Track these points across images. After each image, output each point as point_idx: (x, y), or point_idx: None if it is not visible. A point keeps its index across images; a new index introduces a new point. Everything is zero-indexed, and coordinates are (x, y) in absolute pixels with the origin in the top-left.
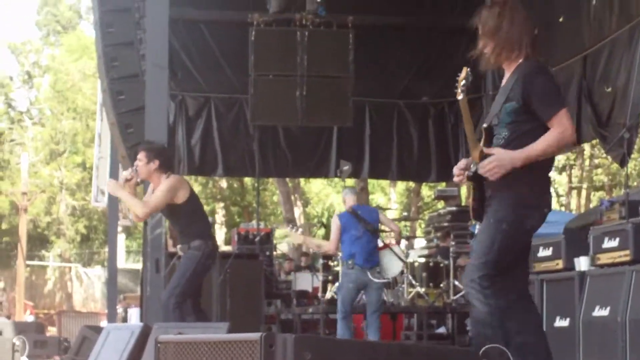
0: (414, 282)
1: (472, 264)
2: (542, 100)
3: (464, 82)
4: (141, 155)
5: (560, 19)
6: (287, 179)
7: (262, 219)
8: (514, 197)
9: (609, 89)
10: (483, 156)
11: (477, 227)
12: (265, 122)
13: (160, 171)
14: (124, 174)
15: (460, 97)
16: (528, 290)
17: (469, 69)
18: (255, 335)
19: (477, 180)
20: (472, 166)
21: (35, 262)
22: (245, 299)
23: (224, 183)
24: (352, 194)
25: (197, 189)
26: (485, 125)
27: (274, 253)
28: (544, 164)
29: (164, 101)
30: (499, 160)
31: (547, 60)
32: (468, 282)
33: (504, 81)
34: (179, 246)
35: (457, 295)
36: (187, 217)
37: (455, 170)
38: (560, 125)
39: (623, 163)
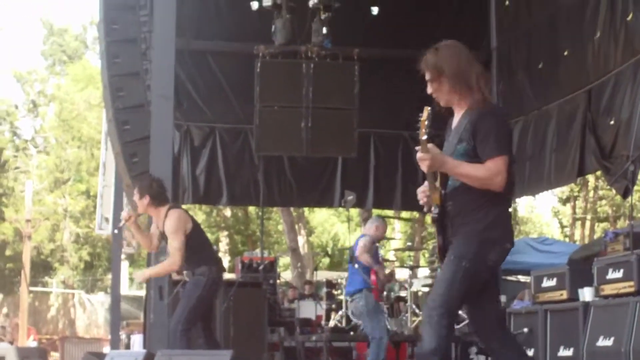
0: (417, 311)
1: (433, 300)
2: (485, 141)
3: (427, 122)
4: (135, 192)
5: (565, 53)
6: (292, 209)
7: (265, 247)
8: (475, 234)
9: (612, 122)
10: (444, 198)
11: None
12: (270, 152)
13: (154, 204)
14: (122, 215)
15: (424, 137)
16: (503, 323)
17: (430, 108)
18: None
19: (440, 222)
20: (433, 209)
21: (39, 289)
22: (249, 327)
23: (228, 212)
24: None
25: (201, 217)
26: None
27: (278, 281)
28: (505, 200)
29: (169, 131)
30: (434, 157)
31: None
32: (426, 317)
33: (455, 122)
34: (184, 272)
35: (461, 325)
36: (192, 247)
37: (420, 194)
38: (495, 167)
39: (626, 194)
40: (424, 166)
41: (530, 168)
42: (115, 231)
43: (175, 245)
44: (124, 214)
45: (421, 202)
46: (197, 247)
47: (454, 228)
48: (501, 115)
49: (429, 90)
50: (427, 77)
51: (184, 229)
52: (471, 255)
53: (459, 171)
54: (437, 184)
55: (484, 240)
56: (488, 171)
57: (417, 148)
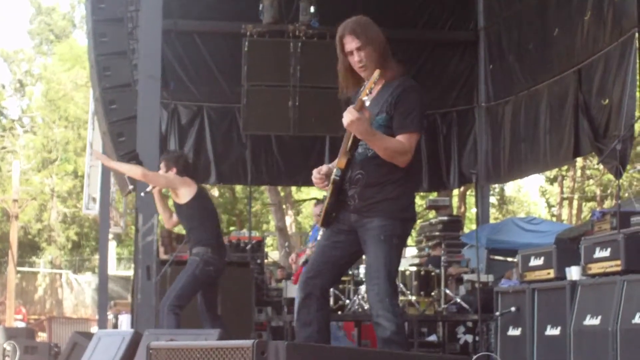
0: (405, 290)
1: (377, 285)
2: (405, 114)
3: (373, 85)
4: (162, 165)
5: (555, 33)
6: (279, 188)
7: (253, 227)
8: (399, 211)
9: (606, 102)
10: (348, 166)
11: (319, 233)
12: (257, 131)
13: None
14: (148, 189)
15: (364, 98)
16: None
17: (379, 71)
18: (247, 342)
19: (339, 187)
20: (335, 171)
21: (26, 269)
22: (236, 306)
23: (215, 192)
24: None
25: None
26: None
27: (265, 261)
28: (417, 178)
29: (156, 110)
30: (360, 119)
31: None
32: (376, 303)
33: (372, 92)
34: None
35: (448, 304)
36: (188, 220)
37: (316, 174)
38: (408, 143)
39: (618, 175)
40: (351, 125)
41: (525, 149)
42: (142, 194)
43: (153, 173)
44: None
45: (316, 183)
46: (196, 222)
47: (365, 201)
48: (423, 93)
49: (357, 58)
50: (355, 45)
51: (176, 184)
52: (399, 232)
53: (379, 142)
54: (348, 148)
55: (405, 219)
56: (401, 146)
57: (351, 107)
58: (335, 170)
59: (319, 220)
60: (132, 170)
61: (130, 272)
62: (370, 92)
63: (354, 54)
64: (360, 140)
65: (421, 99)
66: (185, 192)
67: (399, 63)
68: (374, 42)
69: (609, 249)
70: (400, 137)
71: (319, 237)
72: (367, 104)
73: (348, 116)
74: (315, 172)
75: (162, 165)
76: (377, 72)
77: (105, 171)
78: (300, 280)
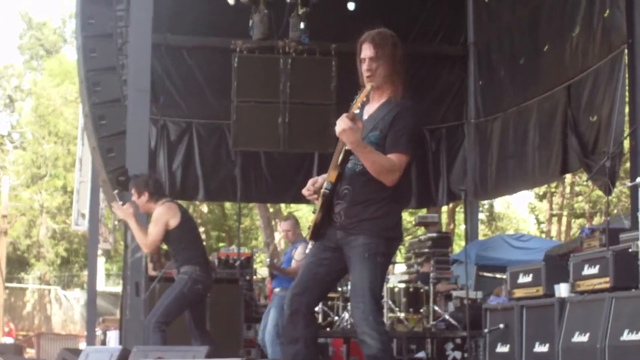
0: (393, 307)
1: (362, 302)
2: (398, 134)
3: (365, 98)
4: (133, 192)
5: (545, 49)
6: (269, 205)
7: (242, 244)
8: (385, 230)
9: (594, 118)
10: (339, 180)
11: (309, 246)
12: (247, 147)
13: (153, 200)
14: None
15: (356, 111)
16: None
17: (373, 85)
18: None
19: (328, 201)
20: (325, 184)
21: (15, 285)
22: (225, 323)
23: (204, 208)
24: None
25: None
26: (347, 147)
27: (254, 277)
28: (404, 199)
29: (146, 126)
30: (352, 128)
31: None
32: (361, 321)
33: (370, 110)
34: (169, 263)
35: (437, 321)
36: (177, 243)
37: (310, 185)
38: (398, 162)
39: (607, 191)
40: (343, 133)
41: (514, 166)
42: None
43: (150, 237)
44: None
45: (307, 196)
46: (183, 244)
47: (350, 219)
48: (419, 117)
49: (366, 67)
50: (370, 54)
51: (166, 221)
52: (383, 251)
53: (369, 155)
54: (339, 162)
55: (390, 238)
56: (391, 164)
57: (344, 115)
58: (325, 183)
59: (309, 233)
60: (141, 241)
61: (119, 288)
62: (364, 105)
63: (366, 61)
64: (351, 154)
65: (415, 121)
66: (174, 220)
67: (405, 84)
68: (387, 58)
69: (597, 266)
70: (391, 156)
71: (295, 255)
72: (361, 115)
73: (340, 124)
74: (310, 182)
75: (133, 191)
76: (369, 86)
77: (95, 187)
78: (287, 297)
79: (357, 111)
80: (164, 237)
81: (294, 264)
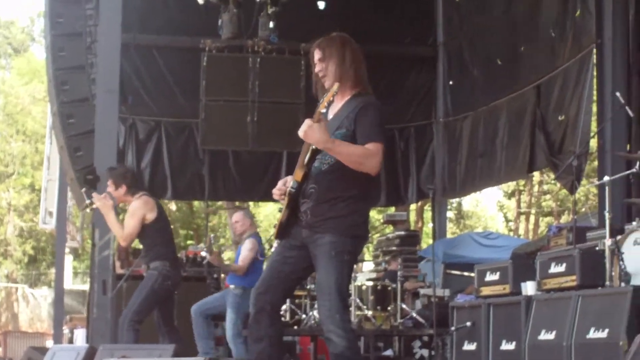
0: (361, 305)
1: (328, 301)
2: (368, 127)
3: (332, 98)
4: (109, 183)
5: (515, 49)
6: (237, 203)
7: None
8: (351, 228)
9: (562, 118)
10: (305, 179)
11: (275, 245)
12: (215, 146)
13: (130, 193)
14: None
15: (322, 110)
16: None
17: (338, 85)
18: (200, 358)
19: (294, 200)
20: (292, 183)
21: None
22: None
23: (173, 206)
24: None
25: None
26: (314, 147)
27: (222, 275)
28: (370, 197)
29: (114, 125)
30: (314, 127)
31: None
32: (327, 319)
33: (335, 109)
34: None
35: (404, 318)
36: (150, 238)
37: (281, 184)
38: (374, 149)
39: (572, 190)
40: (306, 134)
41: (483, 164)
42: (88, 210)
43: (126, 230)
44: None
45: (276, 197)
46: (157, 239)
47: (317, 217)
48: (383, 110)
49: (317, 68)
50: (317, 56)
51: (142, 215)
52: (350, 249)
53: (340, 148)
54: (305, 161)
55: (356, 236)
56: (366, 150)
57: (308, 119)
58: (292, 182)
59: (275, 232)
60: (118, 233)
61: (86, 287)
62: (329, 105)
63: (317, 64)
64: (318, 153)
65: (381, 114)
66: (150, 215)
67: (368, 82)
68: (336, 56)
69: (564, 264)
70: (367, 145)
71: (243, 251)
72: (327, 116)
73: (303, 127)
74: (280, 182)
75: (109, 182)
76: (335, 86)
77: (63, 186)
78: (251, 296)
79: (323, 111)
80: (140, 230)
81: (240, 261)
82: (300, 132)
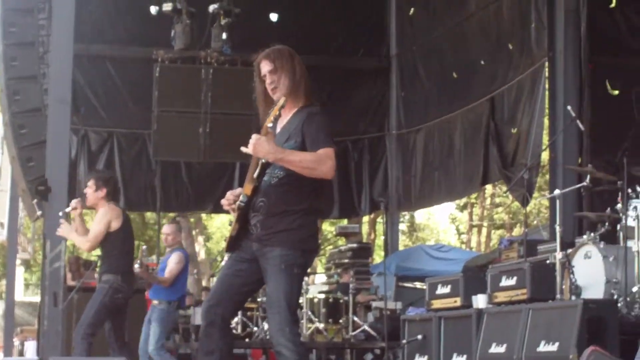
0: (313, 317)
1: (278, 314)
2: (316, 135)
3: (278, 112)
4: (90, 183)
5: (469, 61)
6: (189, 215)
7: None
8: (300, 241)
9: (515, 130)
10: (255, 193)
11: (225, 258)
12: (167, 157)
13: (106, 199)
14: (72, 203)
15: (269, 125)
16: None
17: (285, 99)
18: None
19: (244, 214)
20: (241, 197)
21: None
22: None
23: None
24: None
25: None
26: (263, 160)
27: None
28: (318, 210)
29: (66, 135)
30: (262, 140)
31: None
32: (277, 332)
33: (283, 123)
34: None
35: (357, 331)
36: (109, 246)
37: (229, 195)
38: (326, 153)
39: (524, 203)
40: (254, 149)
41: (439, 177)
42: (60, 214)
43: (92, 235)
44: (73, 203)
45: (225, 207)
46: (116, 250)
47: (266, 230)
48: (328, 117)
49: (269, 80)
50: (268, 68)
51: (109, 220)
52: (299, 262)
53: (291, 157)
54: (255, 175)
55: (306, 250)
56: (318, 155)
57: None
58: (241, 196)
59: (225, 245)
60: (81, 243)
61: (37, 298)
62: (276, 119)
63: (268, 76)
64: (268, 167)
65: (328, 122)
66: (115, 223)
67: (313, 93)
68: (287, 69)
69: (515, 278)
70: (318, 151)
71: (169, 263)
72: (275, 129)
73: (251, 142)
74: (229, 193)
75: (90, 183)
76: (282, 100)
77: (14, 197)
78: (202, 309)
79: (270, 125)
80: (103, 237)
81: (167, 273)
82: (250, 147)
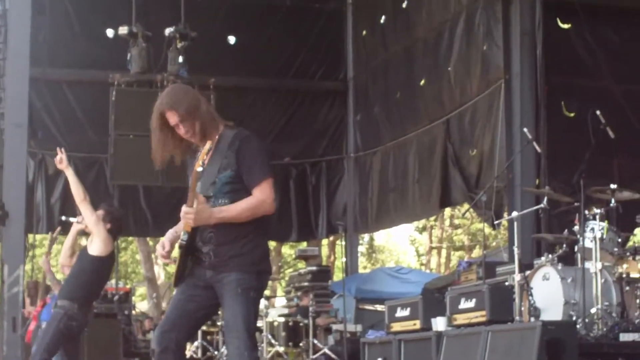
0: (273, 341)
1: (237, 338)
2: (252, 167)
3: (205, 156)
4: (100, 212)
5: (421, 84)
6: (148, 238)
7: (122, 277)
8: (254, 264)
9: (474, 152)
10: (196, 228)
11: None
12: (125, 181)
13: (106, 229)
14: (77, 219)
15: (199, 169)
16: None
17: (211, 142)
18: None
19: (187, 250)
20: (182, 235)
21: None
22: (104, 358)
23: (83, 241)
24: None
25: (56, 247)
26: (202, 194)
27: (133, 312)
28: (266, 229)
29: (23, 160)
30: (199, 213)
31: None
32: (235, 356)
33: (206, 157)
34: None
35: (317, 354)
36: (82, 271)
37: (160, 250)
38: (262, 194)
39: (493, 224)
40: (195, 222)
41: (395, 199)
42: (64, 217)
43: (92, 212)
44: (79, 219)
45: (162, 258)
46: (81, 274)
47: (220, 257)
48: (261, 140)
49: (182, 130)
50: (177, 119)
51: (105, 237)
52: (255, 285)
53: (229, 214)
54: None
55: (260, 271)
56: (255, 200)
57: (184, 206)
58: (182, 234)
59: (173, 281)
60: (78, 189)
61: None
62: (204, 164)
63: (180, 126)
64: (208, 200)
65: (261, 146)
66: (101, 248)
67: (221, 116)
68: (193, 112)
69: (474, 300)
70: (254, 192)
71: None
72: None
73: (187, 217)
74: (159, 247)
75: (100, 212)
76: (208, 143)
77: None
78: (155, 334)
79: (199, 169)
80: (82, 257)
81: None
82: (190, 222)
